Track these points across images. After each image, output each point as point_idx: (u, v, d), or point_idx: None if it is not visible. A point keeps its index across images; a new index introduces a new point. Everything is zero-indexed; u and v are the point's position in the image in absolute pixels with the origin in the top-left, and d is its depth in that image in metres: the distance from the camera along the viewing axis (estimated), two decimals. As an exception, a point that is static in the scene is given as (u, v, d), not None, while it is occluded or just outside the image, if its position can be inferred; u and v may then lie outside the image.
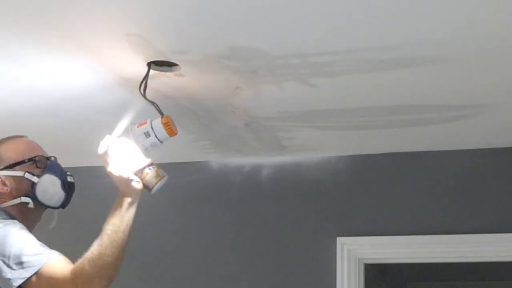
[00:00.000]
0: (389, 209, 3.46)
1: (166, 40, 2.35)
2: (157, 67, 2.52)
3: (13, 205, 2.33)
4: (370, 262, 3.58)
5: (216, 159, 3.68)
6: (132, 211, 2.29)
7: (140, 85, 2.55)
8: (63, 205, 2.40)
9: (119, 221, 2.25)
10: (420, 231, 3.40)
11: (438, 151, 3.45)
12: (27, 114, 3.08)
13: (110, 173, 2.34)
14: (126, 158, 2.35)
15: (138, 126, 2.60)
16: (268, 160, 3.62)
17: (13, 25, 2.26)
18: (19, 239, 2.21)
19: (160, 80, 2.63)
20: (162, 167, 3.72)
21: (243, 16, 2.16)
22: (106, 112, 3.02)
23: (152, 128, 2.58)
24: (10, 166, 2.34)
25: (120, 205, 2.28)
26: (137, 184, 2.33)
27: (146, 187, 2.38)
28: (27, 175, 2.33)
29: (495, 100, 2.82)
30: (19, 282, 2.14)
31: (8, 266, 2.16)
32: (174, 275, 3.61)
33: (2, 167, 2.34)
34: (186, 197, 3.72)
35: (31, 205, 2.33)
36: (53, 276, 2.15)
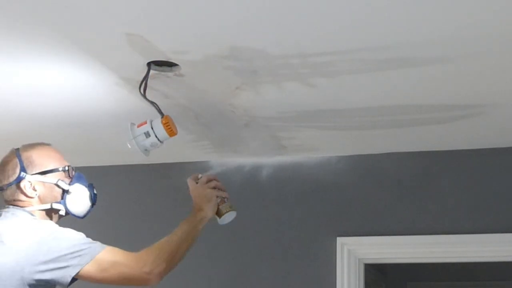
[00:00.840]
0: (389, 209, 3.46)
1: (166, 40, 2.35)
2: (157, 67, 2.52)
3: (40, 210, 2.37)
4: (370, 262, 3.58)
5: (216, 159, 3.68)
6: (201, 225, 2.51)
7: (140, 85, 2.55)
8: (85, 215, 2.47)
9: (190, 230, 2.46)
10: (420, 231, 3.40)
11: (438, 151, 3.45)
12: (27, 114, 3.08)
13: (195, 190, 2.59)
14: (214, 185, 2.61)
15: (138, 126, 2.60)
16: (268, 160, 3.62)
17: (13, 25, 2.26)
18: (66, 232, 2.28)
19: (160, 80, 2.63)
20: (163, 167, 3.75)
21: (243, 16, 2.16)
22: (106, 112, 3.02)
23: (152, 128, 2.59)
24: (43, 173, 2.39)
25: (194, 217, 2.51)
26: (215, 205, 2.58)
27: (219, 212, 2.61)
28: (60, 183, 2.39)
29: (495, 100, 2.82)
30: (77, 269, 2.20)
31: (63, 257, 2.20)
32: (173, 274, 3.61)
33: (34, 172, 2.38)
34: (186, 197, 3.71)
35: (62, 212, 2.40)
36: (117, 257, 2.26)
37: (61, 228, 2.32)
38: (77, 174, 2.45)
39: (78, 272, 2.21)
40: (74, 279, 2.24)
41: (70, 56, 2.48)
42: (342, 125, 3.15)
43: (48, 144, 2.47)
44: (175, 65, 2.52)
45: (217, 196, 2.58)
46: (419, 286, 5.38)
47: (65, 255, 2.20)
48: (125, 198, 3.80)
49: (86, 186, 2.45)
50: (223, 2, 2.07)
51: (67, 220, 2.48)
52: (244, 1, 2.07)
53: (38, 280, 2.20)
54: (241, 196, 3.64)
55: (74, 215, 2.43)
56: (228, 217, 2.63)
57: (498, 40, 2.28)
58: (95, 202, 2.48)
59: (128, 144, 2.62)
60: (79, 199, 2.42)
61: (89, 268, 2.21)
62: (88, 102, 2.93)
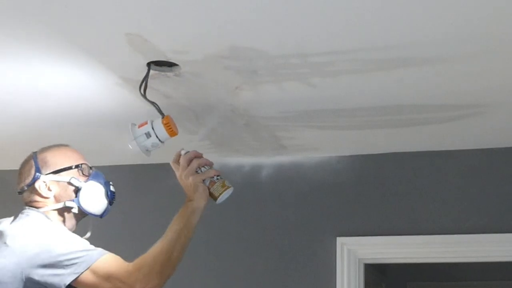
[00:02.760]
0: (389, 209, 3.47)
1: (166, 40, 2.35)
2: (157, 67, 2.52)
3: (54, 210, 2.37)
4: (370, 262, 3.58)
5: (216, 159, 3.67)
6: (196, 217, 2.37)
7: (140, 85, 2.55)
8: (103, 214, 2.45)
9: (183, 225, 2.34)
10: (420, 231, 3.40)
11: (438, 151, 3.45)
12: (27, 115, 3.08)
13: (180, 179, 2.44)
14: (196, 167, 2.42)
15: (139, 127, 2.60)
16: (268, 160, 3.62)
17: (13, 26, 2.26)
18: (67, 237, 2.27)
19: (160, 80, 2.63)
20: (163, 167, 3.75)
21: (243, 16, 2.16)
22: (106, 112, 3.02)
23: (153, 128, 2.59)
24: (56, 172, 2.39)
25: (185, 209, 2.38)
26: (204, 191, 2.41)
27: (212, 195, 2.44)
28: (73, 181, 2.38)
29: (495, 100, 2.82)
30: (72, 277, 2.19)
31: (60, 263, 2.19)
32: (173, 274, 3.61)
33: (48, 172, 2.38)
34: (186, 197, 3.71)
35: (75, 209, 2.38)
36: (111, 269, 2.21)
37: (65, 233, 2.31)
38: (94, 172, 2.45)
39: (73, 280, 2.19)
40: (70, 285, 2.22)
41: (70, 56, 2.48)
42: (342, 125, 3.15)
43: (65, 145, 2.48)
44: (175, 65, 2.52)
45: (204, 180, 2.42)
46: (419, 286, 5.38)
47: (62, 262, 2.19)
48: (125, 198, 3.80)
49: (102, 184, 2.44)
50: (223, 2, 2.07)
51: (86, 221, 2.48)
52: (244, 1, 2.07)
53: (36, 283, 2.19)
54: (241, 196, 3.64)
55: (90, 213, 2.41)
56: (224, 197, 2.45)
57: (497, 40, 2.28)
58: (113, 200, 2.47)
59: (129, 145, 2.62)
60: (93, 197, 2.40)
61: (85, 278, 2.20)
62: (88, 102, 2.93)
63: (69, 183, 2.38)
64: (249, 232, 3.62)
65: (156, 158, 3.42)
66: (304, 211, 3.56)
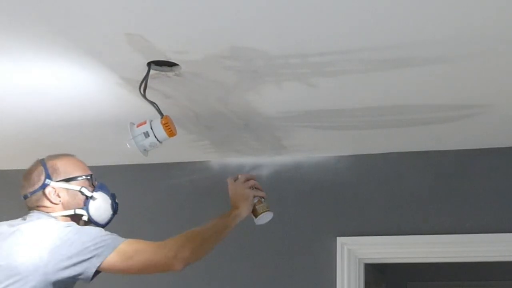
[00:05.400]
0: (389, 209, 3.46)
1: (166, 40, 2.35)
2: (157, 67, 2.52)
3: (63, 216, 2.41)
4: (370, 262, 3.58)
5: (216, 159, 3.68)
6: (235, 222, 2.56)
7: (140, 85, 2.55)
8: (106, 224, 2.50)
9: (223, 224, 2.51)
10: (420, 231, 3.40)
11: (438, 151, 3.45)
12: (27, 115, 3.08)
13: (234, 188, 2.62)
14: (252, 184, 2.63)
15: (137, 126, 2.60)
16: (268, 160, 3.62)
17: (13, 26, 2.26)
18: (85, 229, 2.32)
19: (160, 80, 2.63)
20: (163, 167, 3.75)
21: (243, 16, 2.16)
22: (106, 112, 3.02)
23: (151, 128, 2.59)
24: (68, 180, 2.44)
25: (229, 213, 2.56)
26: (251, 205, 2.62)
27: (255, 212, 2.64)
28: (83, 190, 2.44)
29: (495, 100, 2.82)
30: (101, 260, 2.23)
31: (85, 250, 2.23)
32: (173, 274, 3.61)
33: (59, 179, 2.43)
34: (186, 197, 3.72)
35: (85, 217, 2.43)
36: (140, 246, 2.29)
37: (83, 226, 2.38)
38: (99, 183, 2.51)
39: (102, 263, 2.24)
40: (96, 273, 2.26)
41: (70, 56, 2.48)
42: (342, 125, 3.15)
43: (72, 155, 2.53)
44: (175, 65, 2.51)
45: (254, 196, 2.61)
46: (419, 286, 5.38)
47: (88, 247, 2.24)
48: (125, 198, 3.79)
49: (108, 195, 2.50)
50: (223, 2, 2.07)
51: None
52: (244, 1, 2.07)
53: (61, 277, 2.22)
54: (241, 196, 3.65)
55: (96, 222, 2.46)
56: (265, 217, 2.65)
57: (498, 40, 2.28)
58: (116, 211, 2.53)
59: (127, 144, 2.62)
60: (101, 207, 2.47)
61: (113, 258, 2.25)
62: (88, 102, 2.92)
63: (80, 192, 2.44)
64: (249, 232, 3.61)
65: (156, 158, 3.43)
66: (304, 211, 3.56)
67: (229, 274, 3.59)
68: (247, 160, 3.64)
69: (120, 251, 2.26)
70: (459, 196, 3.41)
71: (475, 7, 2.07)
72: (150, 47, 2.37)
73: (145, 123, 2.59)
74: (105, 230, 2.36)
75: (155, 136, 2.58)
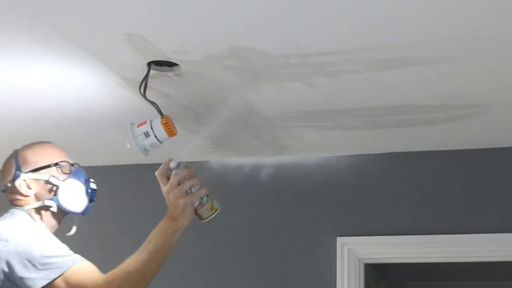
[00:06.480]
0: (389, 209, 3.46)
1: (166, 40, 2.35)
2: (157, 67, 2.52)
3: (35, 208, 2.36)
4: (370, 262, 3.58)
5: (216, 159, 3.68)
6: (177, 236, 2.29)
7: (140, 85, 2.55)
8: (84, 211, 2.42)
9: (162, 244, 2.25)
10: (420, 231, 3.40)
11: (438, 151, 3.45)
12: (27, 114, 3.08)
13: (167, 195, 2.32)
14: (187, 188, 2.31)
15: (138, 126, 2.60)
16: (268, 160, 3.62)
17: (13, 25, 2.26)
18: (46, 240, 2.24)
19: (160, 80, 2.63)
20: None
21: (244, 16, 2.16)
22: (106, 112, 3.02)
23: (151, 128, 2.58)
24: (36, 170, 2.37)
25: (167, 228, 2.28)
26: (191, 213, 2.32)
27: (198, 216, 2.37)
28: (52, 179, 2.36)
29: (495, 100, 2.82)
30: (44, 282, 2.15)
31: (34, 265, 2.16)
32: (173, 274, 3.61)
33: (28, 170, 2.37)
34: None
35: (54, 209, 2.36)
36: (83, 280, 2.16)
37: (44, 236, 2.27)
38: (75, 170, 2.42)
39: (46, 285, 2.16)
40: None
41: (70, 56, 2.48)
42: (342, 125, 3.15)
43: (47, 142, 2.46)
44: (175, 65, 2.51)
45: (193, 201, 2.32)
46: (419, 286, 5.38)
47: (36, 264, 2.16)
48: (125, 198, 3.80)
49: (82, 182, 2.40)
50: (223, 2, 2.07)
51: (69, 217, 2.47)
52: (244, 1, 2.07)
53: (12, 282, 2.17)
54: (241, 196, 3.65)
55: (70, 211, 2.38)
56: (211, 218, 2.39)
57: (498, 40, 2.28)
58: (93, 198, 2.43)
59: (128, 144, 2.62)
60: (72, 195, 2.37)
61: (56, 284, 2.16)
62: (88, 102, 2.93)
63: (48, 182, 2.36)
64: (249, 232, 3.62)
65: (156, 158, 3.41)
66: (304, 211, 3.56)
67: (229, 274, 3.59)
68: (247, 160, 3.64)
69: (64, 279, 2.15)
70: (459, 196, 3.41)
71: (475, 7, 2.07)
72: (150, 47, 2.37)
73: (145, 123, 2.59)
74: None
75: (156, 136, 2.58)
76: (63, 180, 2.37)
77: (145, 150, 2.62)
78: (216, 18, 2.17)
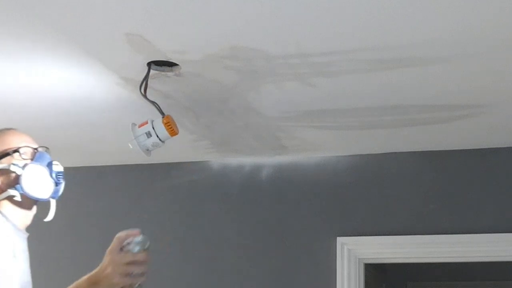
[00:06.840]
0: (389, 209, 3.46)
1: (166, 40, 2.35)
2: (157, 67, 2.52)
3: (2, 200, 2.21)
4: (370, 262, 3.58)
5: (216, 159, 3.68)
6: None
7: (141, 85, 2.55)
8: (54, 196, 2.27)
9: None
10: (420, 231, 3.40)
11: (438, 151, 3.45)
12: (27, 114, 3.08)
13: (109, 263, 2.15)
14: (134, 269, 2.14)
15: (139, 126, 2.60)
16: (268, 160, 3.62)
17: (13, 26, 2.26)
18: None
19: (160, 80, 2.63)
20: (163, 167, 3.74)
21: (243, 16, 2.16)
22: (106, 112, 3.02)
23: (153, 128, 2.59)
24: None
25: (99, 283, 2.13)
26: None
27: None
28: (12, 167, 2.20)
29: (495, 100, 2.82)
30: None
31: None
32: (173, 274, 3.61)
33: None
34: (186, 197, 3.72)
35: (17, 198, 2.20)
36: None
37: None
38: (38, 154, 2.25)
39: None
40: None
41: (71, 56, 2.48)
42: (342, 125, 3.15)
43: (9, 129, 2.30)
44: (175, 65, 2.52)
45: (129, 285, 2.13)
46: (419, 286, 5.38)
47: None
48: (125, 198, 3.80)
49: (44, 165, 2.23)
50: (223, 2, 2.07)
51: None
52: (244, 1, 2.07)
53: None
54: (241, 196, 3.65)
55: (36, 198, 2.22)
56: None
57: (497, 40, 2.28)
58: (59, 180, 2.27)
59: (130, 145, 2.62)
60: (35, 181, 2.21)
61: None
62: (89, 102, 2.93)
63: (9, 170, 2.20)
64: (249, 232, 3.62)
65: (156, 158, 3.43)
66: (304, 211, 3.56)
67: (229, 274, 3.59)
68: (247, 160, 3.64)
69: None
70: (459, 196, 3.41)
71: (474, 7, 2.07)
72: (150, 47, 2.37)
73: (146, 123, 2.59)
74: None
75: (157, 136, 2.58)
76: (23, 167, 2.20)
77: (147, 150, 2.63)
78: (216, 18, 2.17)
